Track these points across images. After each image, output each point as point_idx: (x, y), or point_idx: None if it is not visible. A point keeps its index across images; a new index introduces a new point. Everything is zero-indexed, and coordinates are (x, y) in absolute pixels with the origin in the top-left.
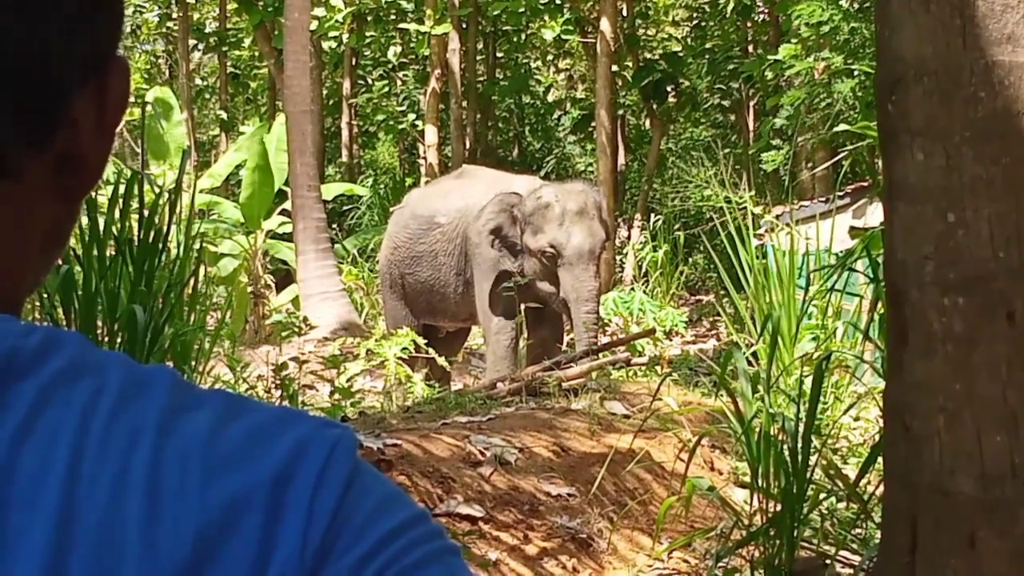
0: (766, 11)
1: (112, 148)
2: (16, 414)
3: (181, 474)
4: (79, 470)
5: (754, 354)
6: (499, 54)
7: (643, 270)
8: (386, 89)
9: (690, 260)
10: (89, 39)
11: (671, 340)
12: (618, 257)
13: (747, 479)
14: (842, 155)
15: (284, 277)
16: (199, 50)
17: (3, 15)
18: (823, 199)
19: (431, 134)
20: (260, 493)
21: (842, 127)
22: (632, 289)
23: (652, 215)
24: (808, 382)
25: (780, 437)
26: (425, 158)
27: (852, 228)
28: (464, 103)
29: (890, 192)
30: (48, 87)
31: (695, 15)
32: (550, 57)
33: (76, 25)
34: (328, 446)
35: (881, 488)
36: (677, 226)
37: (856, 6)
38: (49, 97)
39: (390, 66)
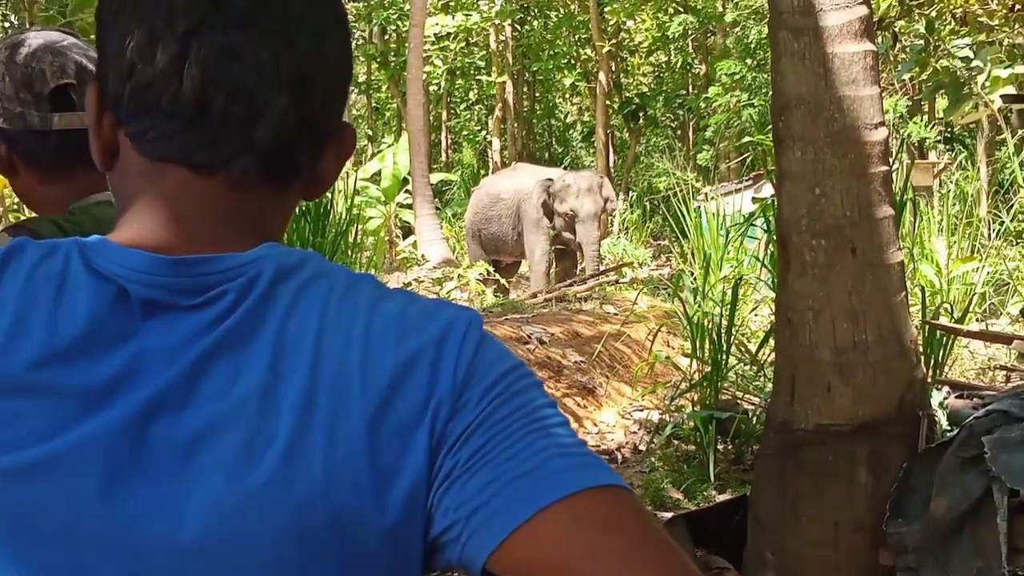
0: (702, 67)
1: (338, 178)
2: (284, 302)
3: (382, 337)
4: (323, 334)
5: (693, 276)
6: (536, 94)
7: (625, 225)
8: (468, 116)
9: (653, 219)
10: (340, 113)
11: (642, 268)
12: (610, 218)
13: (689, 352)
14: (746, 155)
15: (407, 231)
16: (353, 92)
17: (315, 101)
18: (736, 182)
19: (495, 143)
20: (428, 349)
21: (747, 139)
22: (619, 237)
23: (630, 191)
24: (728, 293)
25: (709, 326)
26: (492, 158)
27: (754, 199)
28: (515, 124)
29: (779, 176)
30: (322, 138)
31: (656, 69)
32: (568, 95)
33: (337, 104)
34: (467, 320)
35: (771, 357)
36: (645, 198)
37: (756, 63)
38: (321, 144)
39: (471, 102)
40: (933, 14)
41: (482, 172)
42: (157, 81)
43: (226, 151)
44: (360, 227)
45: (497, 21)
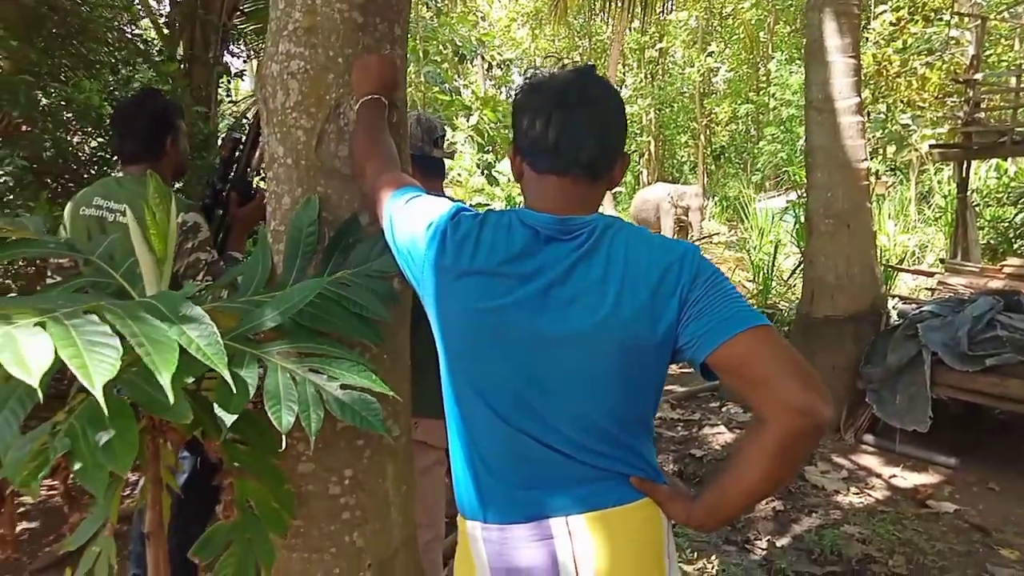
0: None
1: (622, 181)
2: (608, 238)
3: (651, 254)
4: (628, 254)
5: None
6: None
7: None
8: None
9: None
10: (622, 146)
11: None
12: None
13: None
14: None
15: None
16: None
17: (609, 144)
18: None
19: None
20: (676, 261)
21: None
22: None
23: None
24: None
25: None
26: None
27: None
28: None
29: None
30: (614, 159)
31: None
32: None
33: (622, 143)
34: (695, 248)
35: None
36: None
37: None
38: (613, 162)
39: None
40: (890, 100)
41: None
42: (538, 137)
43: (568, 166)
44: None
45: None
